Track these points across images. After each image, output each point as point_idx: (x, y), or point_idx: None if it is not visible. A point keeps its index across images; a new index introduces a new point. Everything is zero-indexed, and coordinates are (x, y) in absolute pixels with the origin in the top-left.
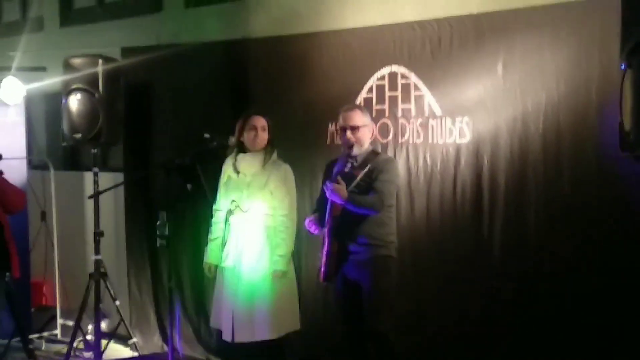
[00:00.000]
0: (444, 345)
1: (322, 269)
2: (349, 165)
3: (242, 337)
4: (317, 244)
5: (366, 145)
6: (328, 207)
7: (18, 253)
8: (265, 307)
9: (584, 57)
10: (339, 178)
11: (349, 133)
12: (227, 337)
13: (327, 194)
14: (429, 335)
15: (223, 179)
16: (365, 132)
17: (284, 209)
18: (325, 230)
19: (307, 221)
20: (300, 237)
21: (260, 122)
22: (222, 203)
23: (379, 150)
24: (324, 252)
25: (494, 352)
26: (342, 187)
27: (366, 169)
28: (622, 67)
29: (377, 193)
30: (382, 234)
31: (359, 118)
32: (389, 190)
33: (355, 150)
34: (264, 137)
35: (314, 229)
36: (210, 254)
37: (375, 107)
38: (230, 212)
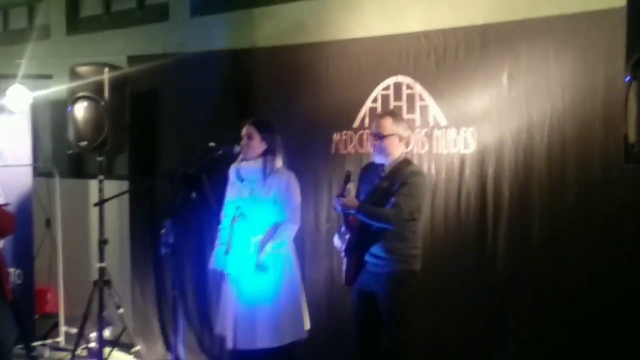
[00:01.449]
0: (446, 355)
1: (345, 274)
2: (376, 177)
3: (243, 344)
4: (327, 249)
5: (395, 154)
6: (344, 217)
7: (9, 275)
8: (267, 314)
9: (589, 69)
10: (348, 189)
11: (372, 140)
12: (229, 344)
13: (339, 209)
14: (434, 346)
15: (228, 185)
16: (393, 141)
17: (284, 215)
18: (346, 241)
19: (336, 236)
20: (308, 245)
21: (247, 130)
22: (228, 209)
23: (412, 160)
24: (345, 261)
25: None
26: (351, 199)
27: (389, 183)
28: (627, 79)
29: (395, 206)
30: (402, 248)
31: (388, 126)
32: (407, 204)
33: (380, 159)
34: (250, 145)
35: (338, 244)
36: (216, 260)
37: None
38: (234, 219)
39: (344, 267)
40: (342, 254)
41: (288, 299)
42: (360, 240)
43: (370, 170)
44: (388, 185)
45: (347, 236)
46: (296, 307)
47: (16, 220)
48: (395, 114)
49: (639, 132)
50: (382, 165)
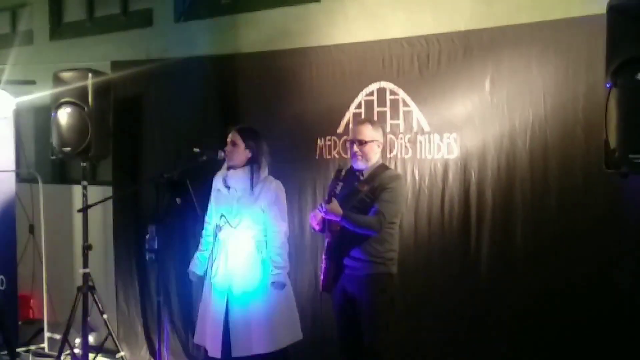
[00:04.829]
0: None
1: (322, 280)
2: (355, 180)
3: (239, 352)
4: (312, 255)
5: (373, 160)
6: (326, 222)
7: None
8: (262, 320)
9: (570, 75)
10: (333, 198)
11: (355, 146)
12: (214, 353)
13: (322, 214)
14: (416, 349)
15: (213, 192)
16: (373, 147)
17: (277, 225)
18: (325, 244)
19: (311, 215)
20: (292, 250)
21: (232, 137)
22: (212, 217)
23: (388, 165)
24: (323, 265)
25: None
26: (336, 206)
27: (369, 187)
28: (608, 85)
29: (377, 213)
30: (380, 250)
31: (369, 132)
32: (389, 211)
33: (360, 165)
34: (234, 152)
35: (315, 224)
36: (196, 264)
37: None
38: (219, 228)
39: (321, 273)
40: (322, 257)
41: (282, 302)
42: (340, 244)
43: (348, 175)
44: (367, 189)
45: (327, 240)
46: (291, 310)
47: None
48: (373, 121)
49: (619, 138)
50: (360, 170)
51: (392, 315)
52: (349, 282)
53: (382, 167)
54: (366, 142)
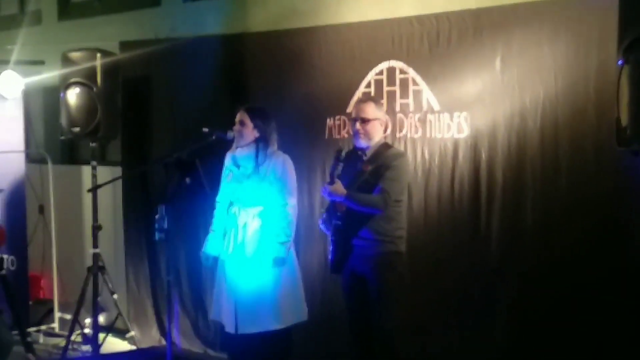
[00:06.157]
0: (438, 338)
1: (330, 261)
2: (359, 160)
3: (246, 329)
4: (321, 235)
5: (376, 138)
6: (331, 205)
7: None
8: (269, 297)
9: (582, 53)
10: (336, 179)
11: (358, 124)
12: (230, 329)
13: (326, 196)
14: (426, 328)
15: (225, 171)
16: (375, 125)
17: (283, 198)
18: (332, 225)
19: (320, 222)
20: (302, 231)
21: (240, 116)
22: (223, 195)
23: (399, 144)
24: (331, 247)
25: (494, 347)
26: (339, 186)
27: (373, 166)
28: (619, 63)
29: (381, 192)
30: (388, 229)
31: (371, 111)
32: (394, 189)
33: (363, 143)
34: (243, 131)
35: (325, 229)
36: (209, 245)
37: None
38: (231, 204)
39: (330, 254)
40: (330, 239)
41: (288, 280)
42: (347, 225)
43: (351, 156)
44: (372, 169)
45: (334, 222)
46: (296, 289)
47: (5, 235)
48: (376, 99)
49: (631, 115)
50: (363, 149)
51: (402, 294)
52: (359, 262)
53: (385, 146)
54: (369, 120)
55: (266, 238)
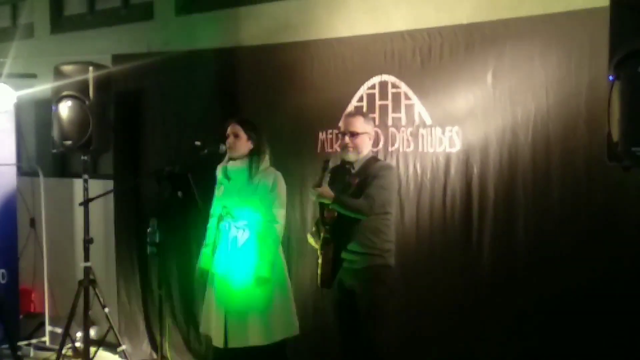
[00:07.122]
0: (430, 352)
1: (320, 275)
2: (346, 174)
3: (235, 343)
4: (312, 249)
5: (365, 152)
6: (320, 214)
7: None
8: (258, 312)
9: (573, 68)
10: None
11: (347, 138)
12: (218, 343)
13: (314, 199)
14: (417, 342)
15: (217, 184)
16: (364, 139)
17: (269, 214)
18: (321, 238)
19: (308, 235)
20: (293, 244)
21: (233, 129)
22: (216, 208)
23: (379, 157)
24: (320, 260)
25: None
26: (327, 189)
27: (361, 179)
28: (610, 78)
29: (366, 197)
30: (376, 242)
31: (360, 124)
32: (380, 196)
33: (352, 156)
34: (237, 143)
35: (314, 242)
36: (203, 259)
37: None
38: (221, 218)
39: (318, 268)
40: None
41: (278, 295)
42: (336, 237)
43: (339, 170)
44: (359, 181)
45: (321, 234)
46: (286, 303)
47: None
48: (364, 113)
49: (622, 131)
50: (350, 163)
51: (391, 308)
52: (347, 275)
53: (373, 160)
54: (358, 134)
55: (254, 254)
